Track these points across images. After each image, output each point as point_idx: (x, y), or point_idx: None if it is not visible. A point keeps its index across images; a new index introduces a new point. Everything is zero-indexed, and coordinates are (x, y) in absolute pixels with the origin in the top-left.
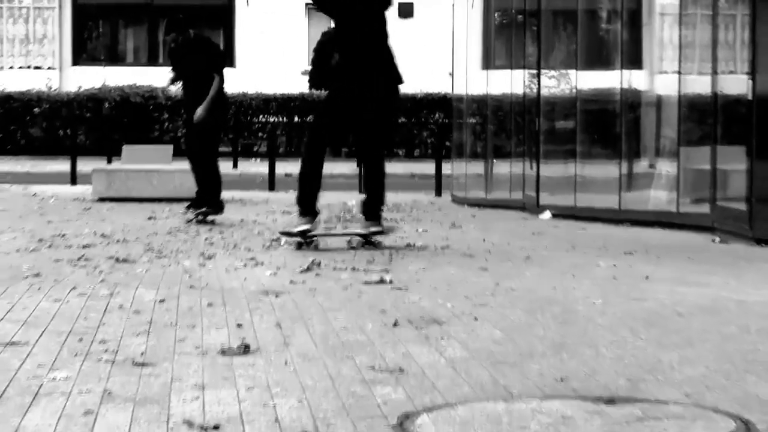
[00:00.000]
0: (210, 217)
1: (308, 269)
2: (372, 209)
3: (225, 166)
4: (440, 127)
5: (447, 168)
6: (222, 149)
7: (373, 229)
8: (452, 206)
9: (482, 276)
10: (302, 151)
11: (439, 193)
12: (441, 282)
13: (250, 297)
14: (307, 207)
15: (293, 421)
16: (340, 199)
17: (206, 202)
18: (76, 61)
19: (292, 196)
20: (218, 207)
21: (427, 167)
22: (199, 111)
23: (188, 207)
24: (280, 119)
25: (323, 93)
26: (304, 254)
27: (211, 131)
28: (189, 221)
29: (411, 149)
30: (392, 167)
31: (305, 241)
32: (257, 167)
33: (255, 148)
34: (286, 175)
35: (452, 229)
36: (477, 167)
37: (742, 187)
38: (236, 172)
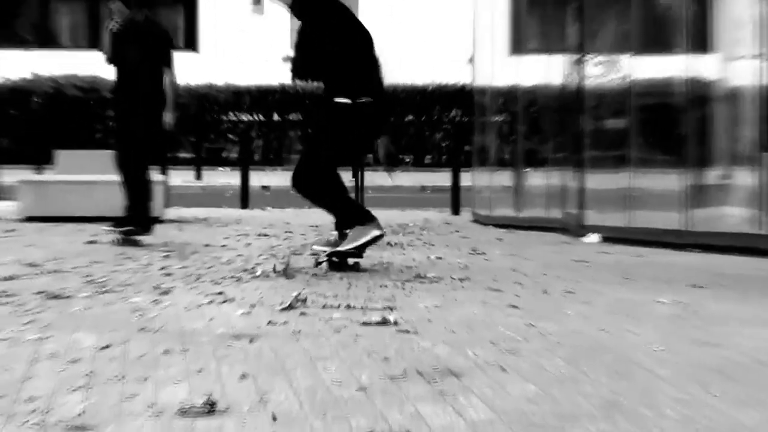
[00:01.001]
0: (136, 238)
1: (290, 307)
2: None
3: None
4: (457, 127)
5: (466, 179)
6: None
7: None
8: (473, 227)
9: (512, 315)
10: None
11: (456, 210)
12: (459, 323)
13: (218, 342)
14: (363, 213)
15: None
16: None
17: (131, 219)
18: None
19: (270, 214)
20: (146, 225)
21: (441, 178)
22: (167, 117)
23: (113, 225)
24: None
25: (310, 85)
26: (285, 288)
27: (148, 135)
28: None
29: (420, 155)
30: (397, 178)
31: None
32: (226, 177)
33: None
34: (264, 188)
35: (473, 255)
36: (504, 178)
37: None
38: (199, 183)
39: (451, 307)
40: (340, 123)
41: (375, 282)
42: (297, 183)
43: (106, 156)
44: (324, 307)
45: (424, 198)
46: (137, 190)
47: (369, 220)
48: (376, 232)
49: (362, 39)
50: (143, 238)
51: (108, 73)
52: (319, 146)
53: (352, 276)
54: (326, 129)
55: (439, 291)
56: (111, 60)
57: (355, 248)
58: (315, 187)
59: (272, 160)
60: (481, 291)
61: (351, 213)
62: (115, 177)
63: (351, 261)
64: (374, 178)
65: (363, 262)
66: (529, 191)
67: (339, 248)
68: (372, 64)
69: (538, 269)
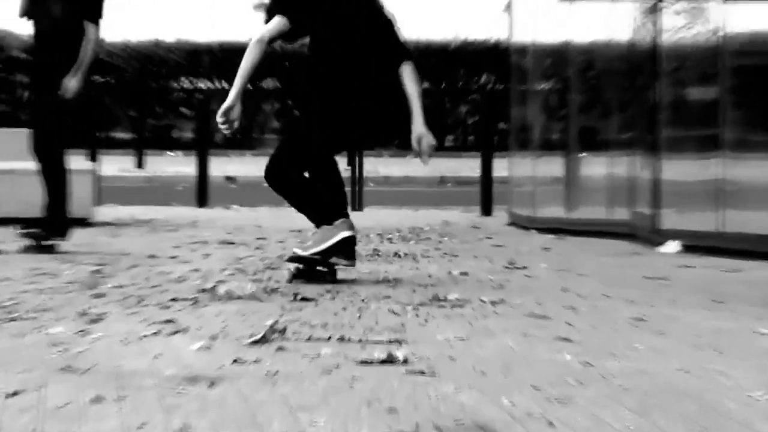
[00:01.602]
0: (47, 243)
1: (264, 339)
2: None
3: (122, 164)
4: (489, 97)
5: (501, 167)
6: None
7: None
8: (510, 232)
9: (562, 351)
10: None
11: (487, 209)
12: (491, 361)
13: (166, 387)
14: (334, 208)
15: None
16: None
17: (43, 221)
18: None
19: (237, 215)
20: (60, 229)
21: (467, 165)
22: (70, 82)
23: (24, 227)
24: (218, 85)
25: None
26: (257, 314)
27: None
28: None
29: (439, 135)
30: (407, 166)
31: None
32: (177, 165)
33: (174, 134)
34: (228, 179)
35: (510, 270)
36: (552, 166)
37: None
38: (141, 173)
39: (481, 340)
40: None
41: (378, 306)
42: (271, 173)
43: (19, 136)
44: (309, 339)
45: (444, 193)
46: (52, 181)
47: (338, 216)
48: (343, 234)
49: None
50: (57, 244)
51: (22, 28)
52: (306, 125)
53: (347, 297)
54: (315, 101)
55: (465, 318)
56: (26, 12)
57: (320, 253)
58: (294, 182)
59: (240, 142)
60: (520, 318)
61: (323, 208)
62: (31, 165)
63: (325, 268)
64: (378, 165)
65: (366, 276)
66: (586, 184)
67: (299, 252)
68: None
69: (598, 289)
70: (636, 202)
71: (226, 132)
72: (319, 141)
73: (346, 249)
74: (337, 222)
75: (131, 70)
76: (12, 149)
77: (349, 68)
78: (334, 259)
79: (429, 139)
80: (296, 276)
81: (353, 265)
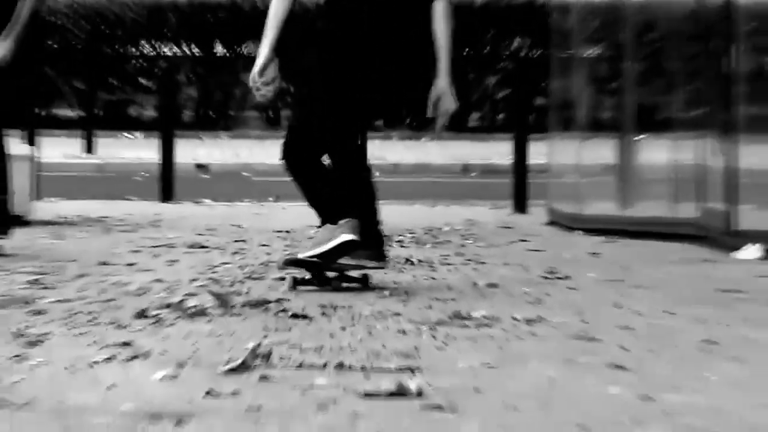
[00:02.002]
0: None
1: (244, 366)
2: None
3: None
4: (523, 66)
5: (538, 153)
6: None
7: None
8: (550, 233)
9: (615, 382)
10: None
11: (521, 205)
12: (526, 395)
13: (122, 427)
14: (343, 207)
15: None
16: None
17: None
18: None
19: (210, 211)
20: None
21: (496, 151)
22: (1, 47)
23: None
24: (186, 50)
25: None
26: (236, 334)
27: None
28: None
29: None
30: (421, 151)
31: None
32: (136, 150)
33: (132, 112)
34: (199, 167)
35: (550, 281)
36: (602, 152)
37: None
38: (92, 159)
39: (513, 368)
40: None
41: (386, 325)
42: (285, 152)
43: None
44: (300, 366)
45: (468, 185)
46: None
47: (344, 215)
48: (343, 237)
49: None
50: None
51: None
52: (315, 100)
53: (346, 314)
54: (324, 69)
55: (494, 341)
56: None
57: (320, 256)
58: (306, 166)
59: (213, 121)
60: (562, 341)
61: (332, 203)
62: None
63: (333, 274)
64: (385, 150)
65: (370, 288)
66: (644, 174)
67: (298, 255)
68: None
69: (659, 303)
70: (706, 197)
71: (262, 98)
72: (333, 124)
73: (370, 253)
74: (342, 221)
75: (79, 32)
76: None
77: (371, 18)
78: (362, 261)
79: (449, 102)
80: (299, 283)
81: (384, 267)
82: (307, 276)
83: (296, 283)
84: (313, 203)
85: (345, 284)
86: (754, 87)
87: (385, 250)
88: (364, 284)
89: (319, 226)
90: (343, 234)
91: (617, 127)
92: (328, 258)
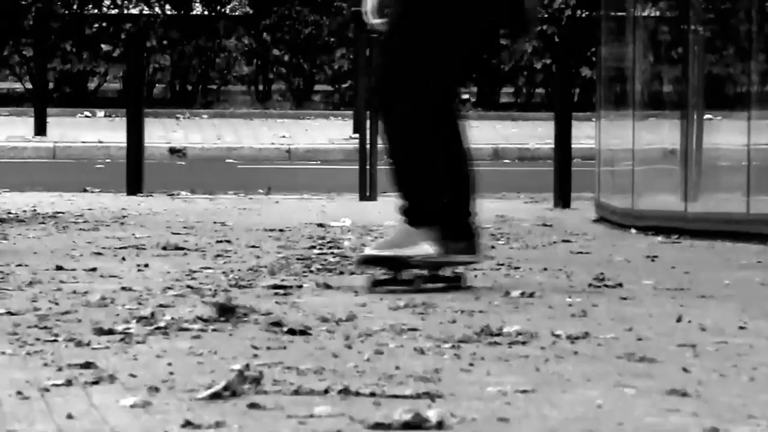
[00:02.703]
0: None
1: (227, 392)
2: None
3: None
4: (565, 29)
5: (584, 135)
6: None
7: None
8: (598, 232)
9: (675, 411)
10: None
11: (564, 198)
12: (569, 426)
13: None
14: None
15: None
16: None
17: None
18: None
19: (187, 206)
20: None
21: (533, 133)
22: None
23: None
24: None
25: None
26: (219, 353)
27: None
28: None
29: (491, 87)
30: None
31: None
32: (96, 132)
33: (92, 84)
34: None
35: (598, 290)
36: (662, 134)
37: None
38: (42, 144)
39: (553, 394)
40: None
41: (400, 343)
42: (388, 86)
43: None
44: (297, 391)
45: (500, 174)
46: None
47: (428, 218)
48: (424, 250)
49: None
50: None
51: None
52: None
53: (353, 329)
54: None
55: (529, 361)
56: None
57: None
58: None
59: (190, 96)
60: (612, 361)
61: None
62: None
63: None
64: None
65: (381, 299)
66: (714, 161)
67: (372, 252)
68: None
69: (730, 318)
70: None
71: (380, 25)
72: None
73: (461, 246)
74: (423, 229)
75: None
76: None
77: None
78: (451, 257)
79: None
80: (378, 284)
81: (478, 261)
82: (385, 276)
83: (375, 284)
84: (403, 175)
85: (430, 285)
86: None
87: (478, 242)
88: (456, 284)
89: (405, 211)
90: (424, 245)
91: (681, 104)
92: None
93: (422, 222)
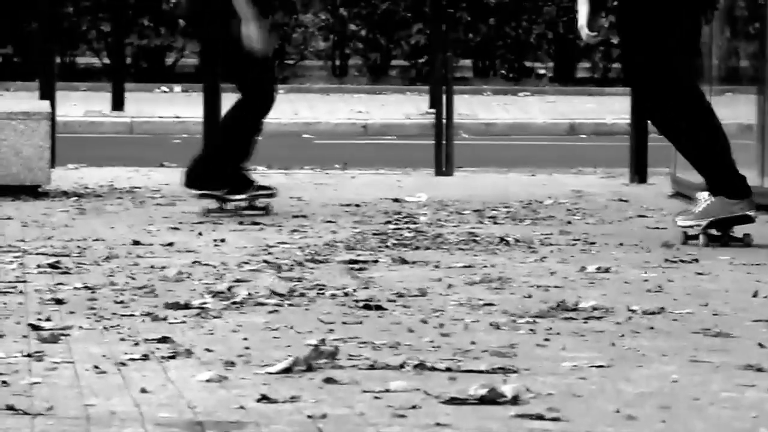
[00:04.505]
0: None
1: (305, 366)
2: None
3: (91, 103)
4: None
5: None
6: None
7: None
8: (674, 207)
9: (752, 386)
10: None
11: (641, 173)
12: (645, 401)
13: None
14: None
15: None
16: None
17: None
18: None
19: (266, 180)
20: None
21: (610, 108)
22: None
23: None
24: None
25: None
26: (295, 327)
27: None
28: None
29: (565, 62)
30: (519, 108)
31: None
32: (174, 107)
33: (168, 59)
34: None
35: (675, 266)
36: (739, 108)
37: None
38: (119, 119)
39: (628, 369)
40: None
41: (475, 318)
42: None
43: None
44: (373, 366)
45: (576, 149)
46: None
47: (744, 193)
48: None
49: None
50: None
51: None
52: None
53: (428, 305)
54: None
55: (605, 336)
56: None
57: (705, 228)
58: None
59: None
60: (688, 337)
61: (717, 173)
62: None
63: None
64: (475, 106)
65: (456, 273)
66: None
67: (693, 222)
68: None
69: None
70: None
71: (593, 41)
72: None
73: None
74: (738, 201)
75: None
76: None
77: None
78: (736, 209)
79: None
80: (713, 239)
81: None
82: (715, 232)
83: (710, 240)
84: (697, 156)
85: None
86: None
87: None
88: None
89: (709, 189)
90: (744, 211)
91: (759, 78)
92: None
93: (727, 189)
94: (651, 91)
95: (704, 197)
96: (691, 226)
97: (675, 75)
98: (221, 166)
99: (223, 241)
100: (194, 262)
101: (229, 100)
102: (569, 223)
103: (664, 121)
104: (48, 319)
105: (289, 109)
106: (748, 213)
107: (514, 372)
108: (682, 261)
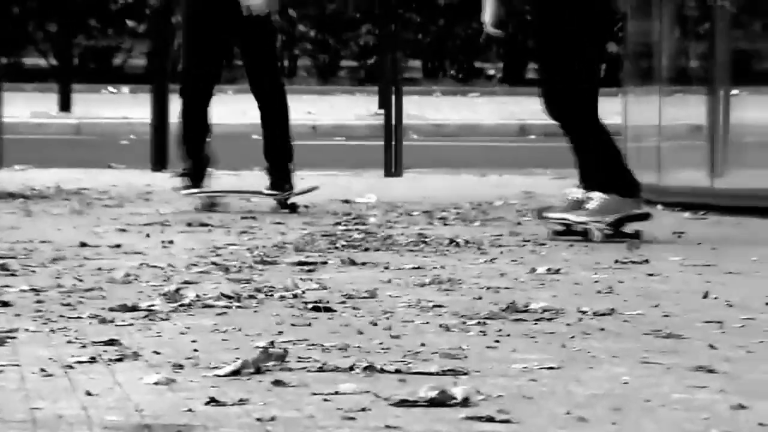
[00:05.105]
0: None
1: (253, 368)
2: None
3: (37, 104)
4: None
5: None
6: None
7: None
8: None
9: (701, 388)
10: None
11: None
12: (595, 403)
13: None
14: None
15: None
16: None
17: None
18: None
19: (213, 182)
20: None
21: None
22: None
23: None
24: None
25: None
26: (244, 329)
27: None
28: None
29: (515, 62)
30: (469, 109)
31: None
32: (122, 108)
33: (116, 60)
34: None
35: (624, 266)
36: (688, 109)
37: None
38: (66, 120)
39: (579, 371)
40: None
41: (425, 320)
42: (554, 104)
43: None
44: (322, 368)
45: (526, 150)
46: None
47: (628, 192)
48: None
49: None
50: None
51: None
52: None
53: (377, 306)
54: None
55: (555, 338)
56: None
57: (610, 225)
58: (584, 120)
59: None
60: (639, 338)
61: (611, 171)
62: None
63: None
64: (425, 106)
65: (406, 275)
66: (741, 136)
67: (574, 217)
68: None
69: (757, 294)
70: None
71: (497, 34)
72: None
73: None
74: (630, 199)
75: None
76: None
77: None
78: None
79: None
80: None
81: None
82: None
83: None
84: (591, 162)
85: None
86: None
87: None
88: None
89: (601, 188)
90: (640, 209)
91: (707, 80)
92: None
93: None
94: (557, 95)
95: (598, 195)
96: (563, 219)
97: (577, 80)
98: None
99: (171, 242)
100: (142, 264)
101: (177, 101)
102: (519, 224)
103: (570, 122)
104: None
105: (238, 110)
106: (646, 211)
107: (465, 374)
108: (633, 262)
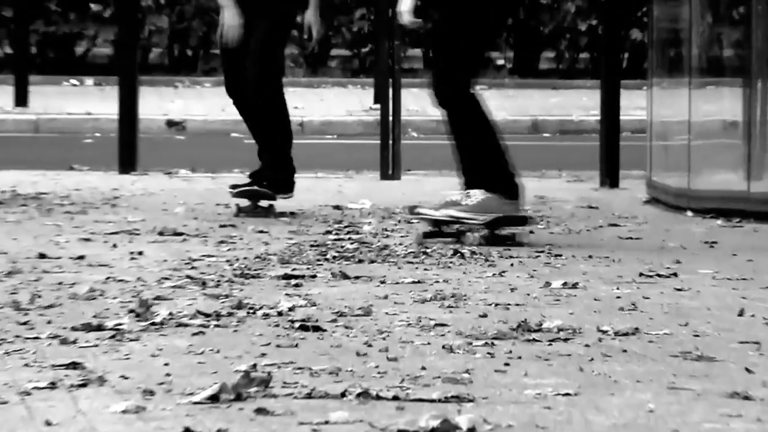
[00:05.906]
0: None
1: (233, 395)
2: None
3: None
4: None
5: (635, 105)
6: None
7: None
8: (650, 214)
9: (737, 415)
10: None
11: (612, 177)
12: None
13: None
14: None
15: None
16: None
17: None
18: None
19: (188, 186)
20: None
21: (577, 103)
22: None
23: None
24: None
25: None
26: (223, 350)
27: None
28: None
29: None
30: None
31: None
32: (85, 102)
33: (79, 49)
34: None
35: (650, 280)
36: (722, 104)
37: None
38: (23, 116)
39: (599, 397)
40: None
41: (426, 340)
42: (440, 93)
43: None
44: (310, 395)
45: (540, 149)
46: None
47: (510, 194)
48: (515, 213)
49: None
50: None
51: None
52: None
53: (373, 325)
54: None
55: (573, 360)
56: None
57: (486, 225)
58: (473, 106)
59: (191, 62)
60: (666, 361)
61: (494, 171)
62: None
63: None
64: (425, 102)
65: (405, 289)
66: None
67: (455, 213)
68: None
69: None
70: None
71: (415, 25)
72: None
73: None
74: (513, 200)
75: None
76: None
77: None
78: (510, 209)
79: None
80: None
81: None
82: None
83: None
84: (474, 155)
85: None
86: None
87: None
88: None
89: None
90: (519, 212)
91: (744, 70)
92: (493, 226)
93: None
94: (444, 81)
95: (479, 192)
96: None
97: (458, 82)
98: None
99: (140, 253)
100: (108, 278)
101: (147, 95)
102: (531, 232)
103: (457, 117)
104: None
105: (216, 105)
106: (528, 215)
107: (470, 401)
108: (659, 275)
